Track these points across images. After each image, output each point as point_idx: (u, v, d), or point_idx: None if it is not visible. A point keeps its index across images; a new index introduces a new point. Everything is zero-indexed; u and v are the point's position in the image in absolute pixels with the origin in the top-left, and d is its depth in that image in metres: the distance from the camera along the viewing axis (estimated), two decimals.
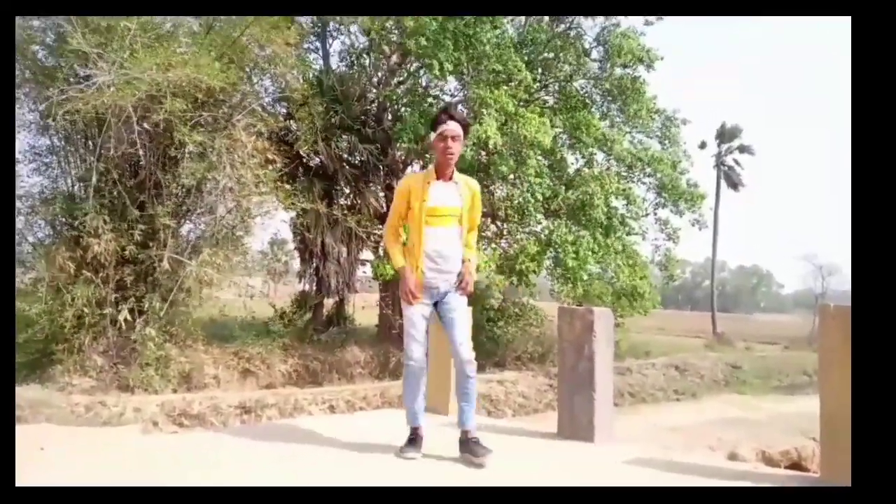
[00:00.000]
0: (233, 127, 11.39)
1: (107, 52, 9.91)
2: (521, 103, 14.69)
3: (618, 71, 16.13)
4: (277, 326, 14.67)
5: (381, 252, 16.08)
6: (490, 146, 13.41)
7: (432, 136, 3.91)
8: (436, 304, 3.89)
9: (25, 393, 8.90)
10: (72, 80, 10.21)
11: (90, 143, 10.81)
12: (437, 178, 3.86)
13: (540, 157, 14.40)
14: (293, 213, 15.14)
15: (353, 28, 16.71)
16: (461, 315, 3.84)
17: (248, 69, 12.44)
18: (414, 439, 3.87)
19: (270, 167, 11.83)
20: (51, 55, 10.86)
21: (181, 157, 10.83)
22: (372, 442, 4.07)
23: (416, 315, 3.81)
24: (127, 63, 9.80)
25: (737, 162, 40.56)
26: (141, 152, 10.55)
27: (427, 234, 3.80)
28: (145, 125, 10.52)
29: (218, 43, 11.27)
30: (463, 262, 3.90)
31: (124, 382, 10.52)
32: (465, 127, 3.93)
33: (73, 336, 10.33)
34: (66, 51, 9.99)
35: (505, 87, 14.34)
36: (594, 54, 16.59)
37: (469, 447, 3.73)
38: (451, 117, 3.86)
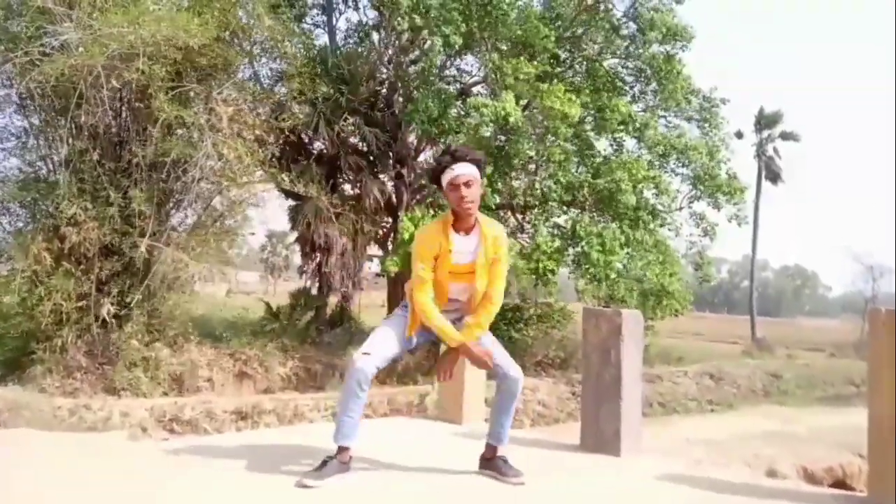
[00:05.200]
0: (214, 101, 11.35)
1: (73, 11, 9.96)
2: (546, 79, 14.62)
3: (652, 48, 16.04)
4: (274, 325, 14.73)
5: (389, 247, 16.11)
6: (510, 123, 13.32)
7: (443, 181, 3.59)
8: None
9: (5, 394, 9.00)
10: (36, 42, 10.21)
11: (71, 122, 10.83)
12: (457, 231, 3.60)
13: (565, 142, 14.35)
14: (292, 203, 15.21)
15: (363, 2, 16.76)
16: (487, 342, 3.67)
17: (236, 33, 12.33)
18: (330, 461, 3.52)
19: (263, 149, 11.82)
20: (14, 18, 10.83)
21: (161, 133, 10.74)
22: (378, 452, 4.09)
23: (393, 335, 3.62)
24: (95, 21, 9.83)
25: (776, 151, 40.17)
26: (120, 123, 10.54)
27: (447, 288, 3.62)
28: (115, 87, 10.42)
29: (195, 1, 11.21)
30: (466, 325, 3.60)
31: (110, 385, 10.61)
32: (478, 164, 3.62)
33: (55, 334, 10.43)
34: (30, 11, 10.03)
35: (526, 60, 14.27)
36: (624, 31, 16.50)
37: (497, 466, 3.70)
38: (456, 158, 3.56)
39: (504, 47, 14.78)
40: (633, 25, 16.20)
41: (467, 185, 3.51)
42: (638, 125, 15.63)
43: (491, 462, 3.74)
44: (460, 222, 3.59)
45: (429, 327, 3.62)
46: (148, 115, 10.89)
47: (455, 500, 3.37)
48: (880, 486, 3.37)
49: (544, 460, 4.24)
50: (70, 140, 10.74)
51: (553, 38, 14.67)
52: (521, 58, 14.24)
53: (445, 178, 3.56)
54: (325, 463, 3.50)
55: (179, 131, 10.96)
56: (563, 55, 16.06)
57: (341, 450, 3.53)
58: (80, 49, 9.82)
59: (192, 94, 11.24)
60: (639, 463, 4.18)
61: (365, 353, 3.48)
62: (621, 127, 15.76)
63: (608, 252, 14.03)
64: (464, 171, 3.53)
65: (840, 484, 9.96)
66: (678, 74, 16.12)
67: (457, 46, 14.23)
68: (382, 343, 3.58)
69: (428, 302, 3.56)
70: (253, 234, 14.16)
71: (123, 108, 11.21)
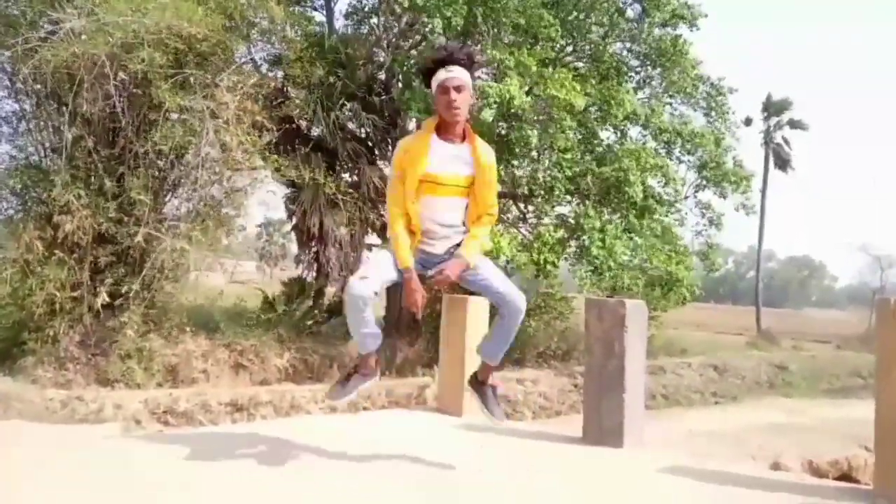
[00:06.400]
0: (216, 87, 11.31)
1: None
2: (549, 64, 14.54)
3: (656, 31, 15.94)
4: (270, 316, 14.71)
5: (388, 236, 16.09)
6: (514, 108, 13.22)
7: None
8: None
9: None
10: (38, 29, 10.18)
11: (63, 107, 10.79)
12: (443, 138, 3.48)
13: (570, 131, 14.29)
14: (288, 190, 15.17)
15: None
16: (487, 271, 3.55)
17: (235, 18, 12.29)
18: (353, 376, 3.58)
19: (262, 135, 11.79)
20: (14, 3, 10.81)
21: (161, 121, 10.69)
22: (376, 444, 4.11)
23: (388, 259, 3.55)
24: (98, 8, 9.80)
25: (786, 141, 40.06)
26: (118, 111, 10.53)
27: (424, 203, 3.52)
28: (121, 77, 10.41)
29: None
30: (458, 245, 3.54)
31: (104, 376, 10.61)
32: (471, 66, 3.49)
33: (47, 324, 10.42)
34: None
35: (529, 49, 14.20)
36: (629, 13, 16.40)
37: (486, 394, 3.67)
38: (450, 61, 3.44)
39: (506, 38, 14.64)
40: (637, 7, 16.11)
41: (458, 89, 3.42)
42: (643, 116, 15.56)
43: (482, 388, 3.71)
44: (446, 129, 3.50)
45: (427, 256, 3.60)
46: (144, 102, 10.87)
47: (454, 493, 3.38)
48: (886, 479, 3.38)
49: (546, 452, 4.25)
50: (64, 126, 10.72)
51: (557, 28, 14.58)
52: (524, 48, 14.14)
53: (437, 79, 3.45)
54: (348, 377, 3.55)
55: (174, 116, 10.92)
56: (566, 40, 15.94)
57: (363, 360, 3.54)
58: (83, 37, 9.78)
59: (191, 80, 11.21)
60: (641, 455, 4.19)
61: (362, 278, 3.39)
62: (625, 121, 15.69)
63: (609, 249, 14.00)
64: (457, 74, 3.42)
65: (845, 477, 9.99)
66: (684, 55, 16.00)
67: (458, 29, 14.13)
68: (378, 267, 3.53)
69: (394, 209, 3.56)
70: (259, 235, 14.15)
71: (120, 95, 11.19)
